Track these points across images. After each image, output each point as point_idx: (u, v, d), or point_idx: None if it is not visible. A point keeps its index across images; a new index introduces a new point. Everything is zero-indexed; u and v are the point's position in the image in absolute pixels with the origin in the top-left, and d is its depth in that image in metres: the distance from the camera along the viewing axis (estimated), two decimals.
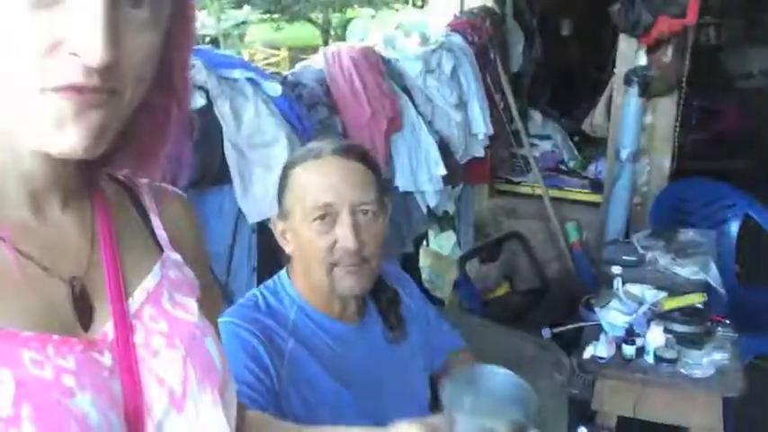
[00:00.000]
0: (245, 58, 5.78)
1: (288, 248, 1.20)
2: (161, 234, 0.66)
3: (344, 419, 1.12)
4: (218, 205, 1.89)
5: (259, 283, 1.93)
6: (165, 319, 0.59)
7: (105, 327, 0.55)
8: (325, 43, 5.04)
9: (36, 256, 0.54)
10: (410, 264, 2.79)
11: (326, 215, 1.11)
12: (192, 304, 0.63)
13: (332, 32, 13.94)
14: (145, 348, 0.56)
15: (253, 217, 1.88)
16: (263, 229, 1.94)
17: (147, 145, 0.61)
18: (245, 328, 1.10)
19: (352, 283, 1.14)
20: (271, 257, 2.00)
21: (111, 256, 0.59)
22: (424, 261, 3.17)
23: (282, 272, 1.24)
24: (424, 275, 3.17)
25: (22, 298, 0.51)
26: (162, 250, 0.65)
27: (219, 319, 1.11)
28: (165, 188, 0.70)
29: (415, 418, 0.83)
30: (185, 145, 0.64)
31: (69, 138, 0.49)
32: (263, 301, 1.19)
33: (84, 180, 0.60)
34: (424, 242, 3.18)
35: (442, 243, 3.27)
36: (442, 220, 3.13)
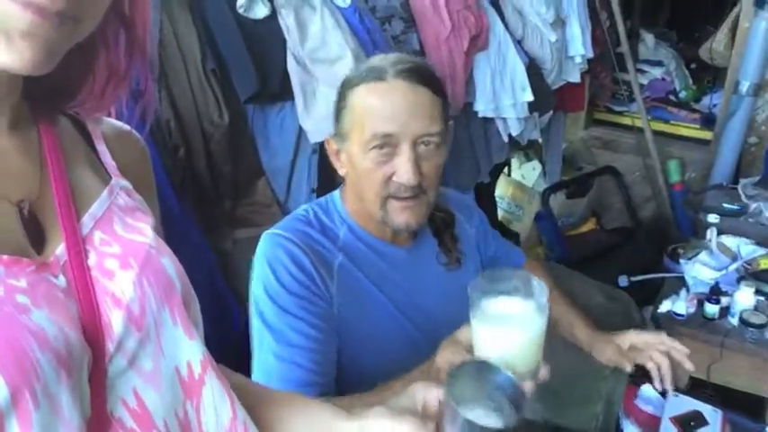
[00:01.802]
0: None
1: (341, 170, 1.16)
2: (108, 161, 0.65)
3: (394, 338, 1.12)
4: (279, 123, 1.83)
5: None
6: (116, 242, 0.59)
7: (58, 250, 0.55)
8: None
9: None
10: (486, 194, 2.65)
11: (386, 145, 1.04)
12: (146, 227, 0.62)
13: None
14: (98, 270, 0.56)
15: (314, 137, 1.81)
16: (323, 150, 1.87)
17: (101, 82, 0.61)
18: (289, 239, 1.08)
19: (408, 218, 1.09)
20: (331, 180, 1.94)
21: (60, 180, 0.58)
22: (504, 191, 3.01)
23: (335, 192, 1.21)
24: (503, 205, 3.02)
25: None
26: (110, 177, 0.64)
27: (268, 231, 1.14)
28: (111, 120, 0.70)
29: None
30: (149, 82, 0.64)
31: (16, 52, 0.48)
32: (314, 217, 1.16)
33: (31, 107, 0.60)
34: (505, 170, 3.00)
35: (526, 173, 3.08)
36: (528, 149, 2.93)
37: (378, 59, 1.12)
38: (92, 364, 0.52)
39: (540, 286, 0.78)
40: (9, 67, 0.49)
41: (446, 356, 0.93)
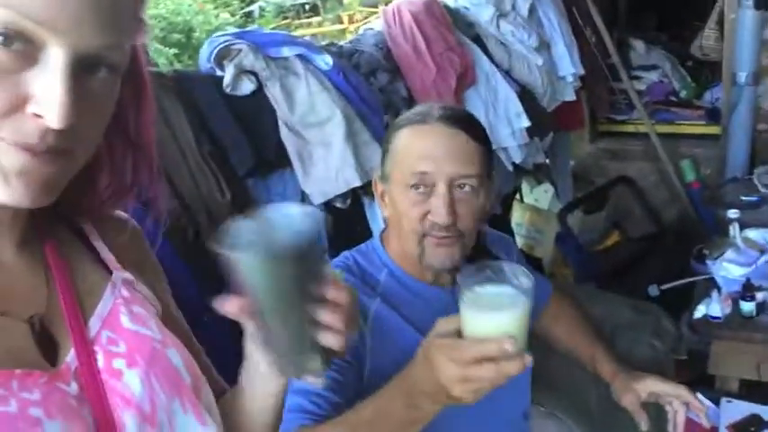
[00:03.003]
0: (344, 20, 5.74)
1: (385, 211, 1.19)
2: (107, 257, 0.66)
3: None
4: (281, 189, 1.86)
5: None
6: (122, 339, 0.60)
7: (68, 357, 0.57)
8: None
9: None
10: (500, 224, 2.63)
11: (422, 184, 1.07)
12: (150, 319, 0.63)
13: None
14: (107, 372, 0.57)
15: (317, 199, 1.83)
16: (329, 210, 1.89)
17: (104, 194, 0.64)
18: None
19: (443, 257, 1.10)
20: (340, 238, 1.95)
21: (66, 289, 0.60)
22: (520, 217, 2.99)
23: (375, 236, 1.24)
24: (522, 232, 2.99)
25: None
26: (111, 272, 0.65)
27: None
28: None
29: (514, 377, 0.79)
30: (159, 188, 0.67)
31: (14, 191, 0.51)
32: (354, 262, 1.18)
33: (35, 221, 0.62)
34: (517, 197, 2.99)
35: (539, 196, 3.06)
36: (537, 172, 2.92)
37: (425, 106, 1.17)
38: None
39: (525, 273, 0.81)
40: (9, 203, 0.52)
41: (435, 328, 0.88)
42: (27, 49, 0.49)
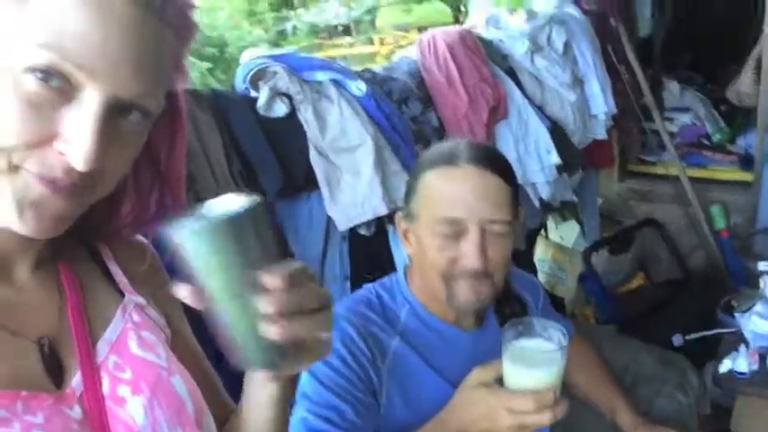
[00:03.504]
0: (375, 42, 5.79)
1: (408, 250, 1.18)
2: (121, 280, 0.67)
3: None
4: (307, 212, 1.86)
5: (352, 291, 1.91)
6: (129, 365, 0.60)
7: (74, 381, 0.57)
8: (456, 21, 4.87)
9: (4, 322, 0.56)
10: (524, 260, 2.60)
11: (453, 229, 1.06)
12: (158, 345, 0.64)
13: (462, 9, 13.63)
14: (111, 399, 0.57)
15: (342, 224, 1.82)
16: (353, 236, 1.88)
17: (125, 221, 0.64)
18: (346, 319, 1.09)
19: (472, 298, 1.09)
20: (363, 265, 1.94)
21: (77, 312, 0.60)
22: (543, 253, 2.95)
23: (399, 271, 1.22)
24: (545, 269, 2.95)
25: None
26: (123, 295, 0.66)
27: None
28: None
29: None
30: None
31: (26, 222, 0.52)
32: (376, 298, 1.17)
33: (52, 241, 0.62)
34: (542, 232, 2.95)
35: (564, 233, 3.02)
36: (564, 209, 2.88)
37: (451, 144, 1.15)
38: None
39: (562, 332, 0.93)
40: (20, 232, 0.53)
41: (474, 375, 0.99)
42: (64, 87, 0.50)
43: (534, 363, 0.91)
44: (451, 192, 1.07)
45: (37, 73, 0.48)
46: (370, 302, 1.16)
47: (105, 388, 0.58)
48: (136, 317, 0.64)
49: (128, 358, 0.61)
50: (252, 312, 0.53)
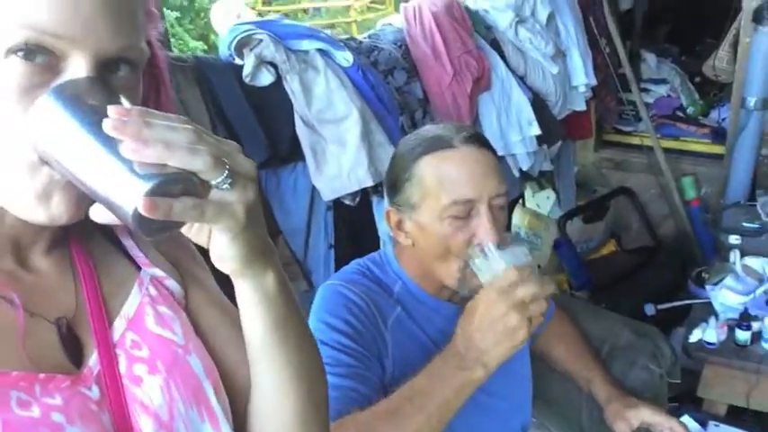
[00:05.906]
0: None
1: (402, 240, 1.17)
2: (137, 254, 0.66)
3: None
4: (292, 183, 1.86)
5: (336, 260, 1.92)
6: (146, 343, 0.60)
7: (91, 360, 0.57)
8: None
9: (22, 304, 0.55)
10: None
11: (464, 210, 1.07)
12: (175, 320, 0.63)
13: None
14: (128, 377, 0.58)
15: (327, 195, 1.83)
16: (338, 205, 1.89)
17: None
18: (349, 289, 1.11)
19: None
20: (347, 234, 1.96)
21: (92, 289, 0.61)
22: (520, 221, 3.00)
23: (388, 249, 1.23)
24: (521, 235, 3.01)
25: (10, 343, 0.53)
26: (139, 268, 0.65)
27: (325, 283, 1.16)
28: None
29: (516, 392, 0.99)
30: None
31: (55, 207, 0.53)
32: (368, 270, 1.19)
33: (65, 226, 0.62)
34: (519, 201, 3.00)
35: (541, 202, 3.07)
36: (541, 178, 2.93)
37: (436, 129, 1.15)
38: None
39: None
40: (45, 223, 0.53)
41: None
42: (50, 61, 0.50)
43: (504, 255, 0.97)
44: (458, 174, 1.07)
45: (19, 53, 0.48)
46: (364, 274, 1.18)
47: (122, 366, 0.58)
48: (153, 290, 0.64)
49: (144, 335, 0.61)
50: (111, 151, 0.48)
